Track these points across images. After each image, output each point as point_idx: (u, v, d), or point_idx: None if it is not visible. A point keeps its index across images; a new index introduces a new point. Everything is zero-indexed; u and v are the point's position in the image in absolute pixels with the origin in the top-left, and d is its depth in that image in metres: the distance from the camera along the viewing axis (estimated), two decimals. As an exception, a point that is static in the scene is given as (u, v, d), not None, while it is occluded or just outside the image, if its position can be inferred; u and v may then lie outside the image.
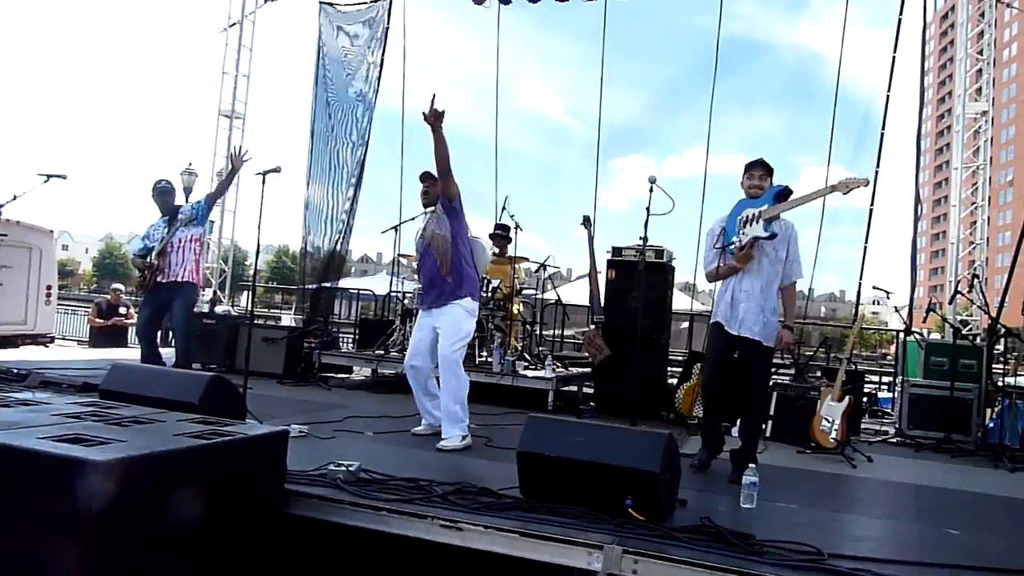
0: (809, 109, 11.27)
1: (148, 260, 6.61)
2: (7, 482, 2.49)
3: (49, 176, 6.21)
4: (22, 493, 2.48)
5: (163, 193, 6.75)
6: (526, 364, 7.78)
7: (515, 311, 8.18)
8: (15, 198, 6.20)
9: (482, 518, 3.26)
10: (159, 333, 7.24)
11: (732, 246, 4.72)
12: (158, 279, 6.55)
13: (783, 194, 4.65)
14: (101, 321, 11.64)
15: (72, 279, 69.81)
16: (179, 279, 6.55)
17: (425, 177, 5.34)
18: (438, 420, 5.26)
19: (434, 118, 4.88)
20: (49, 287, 12.34)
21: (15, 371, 6.40)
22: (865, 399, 8.24)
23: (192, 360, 6.88)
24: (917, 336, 8.58)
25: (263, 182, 5.41)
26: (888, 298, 8.27)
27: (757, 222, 4.63)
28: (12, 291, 11.00)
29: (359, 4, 11.52)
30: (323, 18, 11.64)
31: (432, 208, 5.34)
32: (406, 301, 8.93)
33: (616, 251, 7.64)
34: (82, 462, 2.42)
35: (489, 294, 7.86)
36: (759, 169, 4.78)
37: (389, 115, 11.36)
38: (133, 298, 13.05)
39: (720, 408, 4.97)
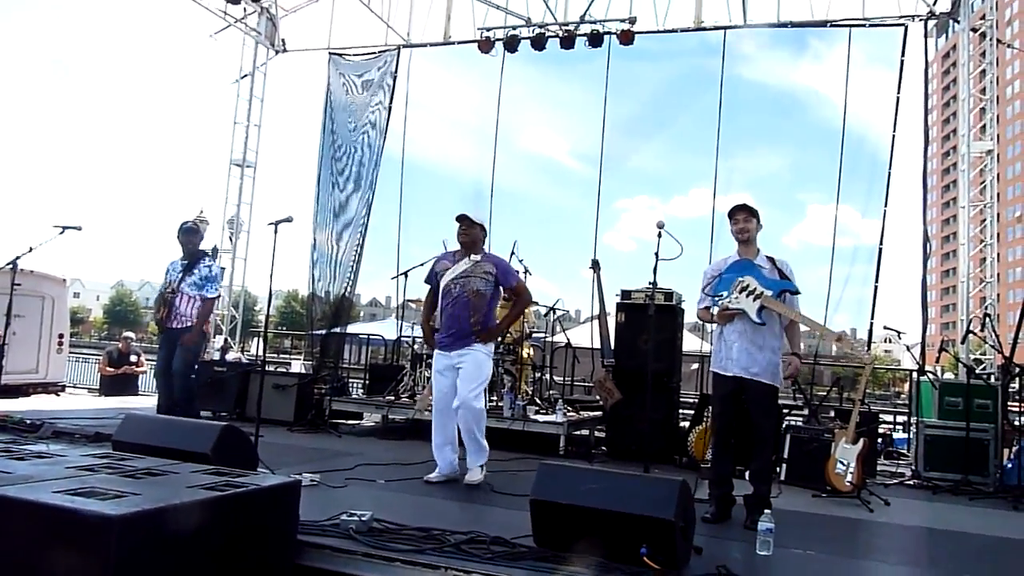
0: (813, 148, 11.39)
1: (160, 299, 6.81)
2: (23, 537, 2.50)
3: (65, 228, 6.29)
4: (38, 548, 2.48)
5: (187, 232, 6.84)
6: (537, 408, 7.76)
7: (525, 355, 8.18)
8: (31, 250, 6.28)
9: (496, 568, 3.23)
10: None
11: (721, 300, 4.76)
12: (170, 323, 6.66)
13: (791, 292, 4.71)
14: (112, 370, 11.66)
15: (83, 326, 70.14)
16: (186, 324, 6.66)
17: (462, 220, 5.46)
18: (453, 468, 5.45)
19: None
20: (61, 336, 12.40)
21: (28, 421, 6.43)
22: (880, 440, 8.15)
23: (194, 410, 6.84)
24: (931, 376, 8.51)
25: (275, 232, 5.47)
26: (900, 337, 8.24)
27: (754, 300, 4.66)
28: (25, 340, 11.04)
29: (367, 54, 11.79)
30: (332, 68, 11.92)
31: (475, 261, 5.45)
32: (416, 346, 8.94)
33: (625, 294, 7.64)
34: (96, 516, 2.42)
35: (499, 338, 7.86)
36: (741, 212, 4.87)
37: (389, 159, 11.56)
38: (144, 345, 13.11)
39: (730, 456, 4.92)
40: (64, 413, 7.49)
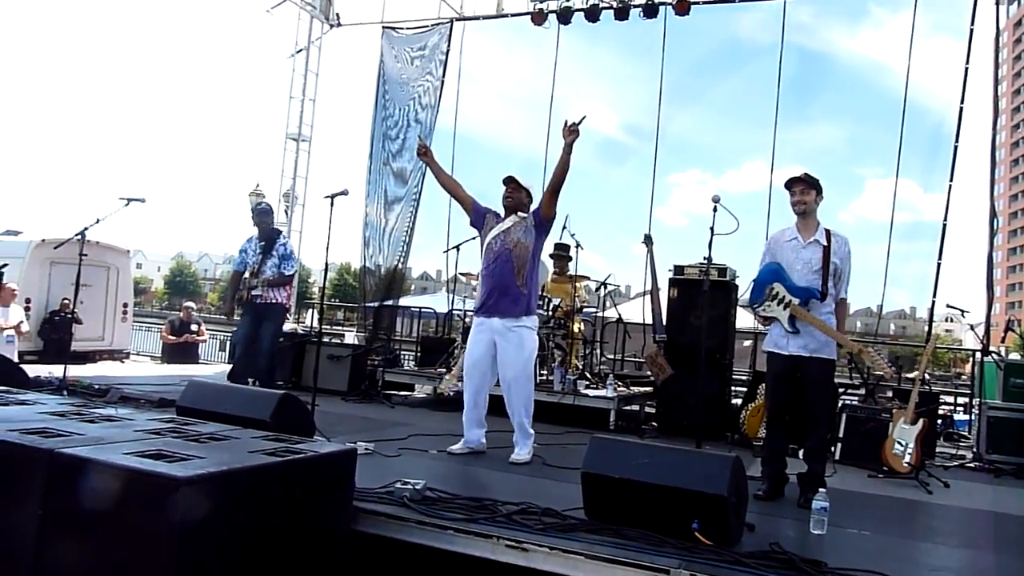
0: (873, 120, 11.04)
1: (244, 282, 7.27)
2: (96, 495, 2.61)
3: (130, 200, 6.47)
4: (109, 506, 2.59)
5: (262, 213, 7.15)
6: (587, 383, 7.76)
7: (576, 330, 8.17)
8: (98, 221, 6.47)
9: (547, 539, 3.26)
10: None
11: (757, 309, 4.77)
12: (255, 300, 7.08)
13: (815, 301, 4.60)
14: (173, 338, 12.03)
15: (145, 296, 72.34)
16: (271, 301, 7.12)
17: (509, 182, 5.38)
18: (480, 443, 5.41)
19: (571, 134, 4.98)
20: (125, 305, 12.86)
21: (96, 387, 6.69)
22: (940, 421, 7.96)
23: (273, 380, 7.23)
24: (995, 356, 8.24)
25: (332, 205, 5.55)
26: (963, 316, 7.99)
27: (784, 308, 4.60)
28: (92, 308, 11.48)
29: (420, 27, 11.76)
30: (385, 41, 11.92)
31: (518, 216, 5.35)
32: (467, 320, 9.00)
33: (678, 269, 7.56)
34: (164, 477, 2.51)
35: (550, 312, 7.87)
36: (799, 185, 4.74)
37: (442, 133, 11.51)
38: (204, 315, 13.49)
39: (783, 433, 4.85)
40: (129, 379, 7.75)
